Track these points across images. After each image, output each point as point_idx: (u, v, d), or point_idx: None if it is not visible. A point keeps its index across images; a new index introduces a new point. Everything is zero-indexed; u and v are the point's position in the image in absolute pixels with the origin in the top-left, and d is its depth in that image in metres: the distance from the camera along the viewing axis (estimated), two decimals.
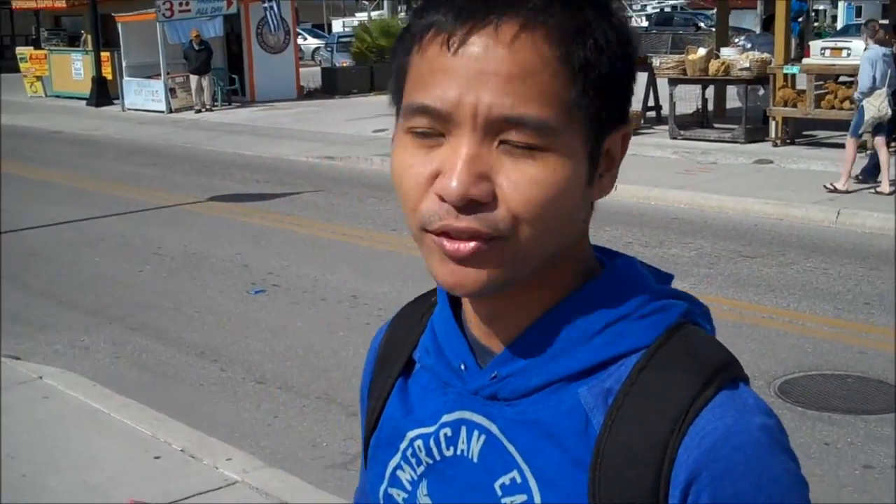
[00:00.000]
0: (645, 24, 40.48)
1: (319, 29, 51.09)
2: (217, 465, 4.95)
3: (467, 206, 0.94)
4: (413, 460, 1.12)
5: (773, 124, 15.44)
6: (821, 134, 15.99)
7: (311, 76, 28.51)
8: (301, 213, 12.04)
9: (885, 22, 19.67)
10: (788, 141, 15.41)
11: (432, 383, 1.13)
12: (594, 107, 0.97)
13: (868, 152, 12.54)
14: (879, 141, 11.86)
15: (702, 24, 39.21)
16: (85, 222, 11.84)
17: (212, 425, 5.81)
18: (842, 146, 14.53)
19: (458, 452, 1.07)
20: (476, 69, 0.93)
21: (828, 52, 24.61)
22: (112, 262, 9.99)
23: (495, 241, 0.96)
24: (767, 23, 18.06)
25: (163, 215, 12.23)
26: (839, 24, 38.26)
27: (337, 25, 62.37)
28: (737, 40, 20.04)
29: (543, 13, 0.95)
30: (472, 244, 0.95)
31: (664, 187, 12.73)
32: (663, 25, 37.97)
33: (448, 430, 1.08)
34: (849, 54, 24.57)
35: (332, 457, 5.46)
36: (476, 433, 1.06)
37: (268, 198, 13.12)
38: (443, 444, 1.09)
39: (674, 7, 62.51)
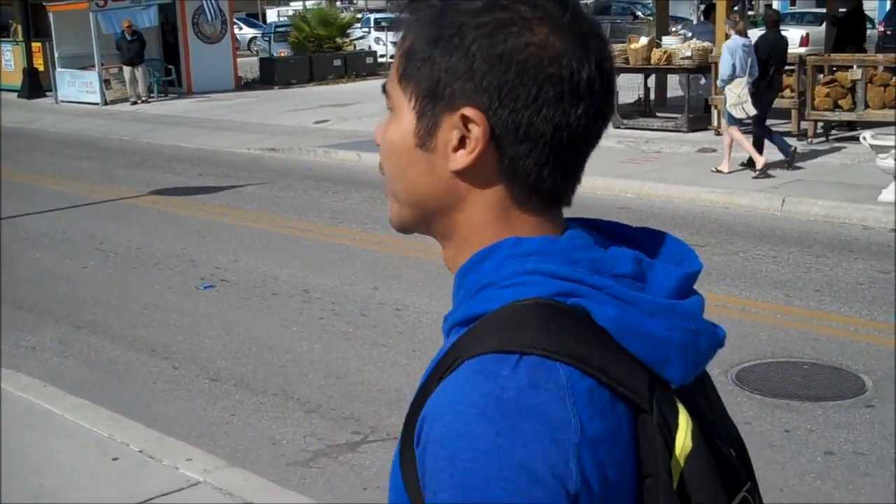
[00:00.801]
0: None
1: (254, 18, 50.56)
2: (177, 466, 4.83)
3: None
4: None
5: (714, 113, 15.55)
6: None
7: (249, 66, 28.20)
8: (246, 206, 11.88)
9: (816, 11, 19.88)
10: None
11: None
12: (415, 73, 1.14)
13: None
14: (732, 128, 12.59)
15: (639, 13, 39.45)
16: (23, 218, 11.57)
17: (168, 424, 5.69)
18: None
19: None
20: None
21: None
22: (54, 258, 9.76)
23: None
24: (707, 11, 18.17)
25: (104, 210, 12.00)
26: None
27: (272, 14, 61.71)
28: (677, 29, 20.19)
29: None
30: None
31: (610, 176, 12.74)
32: (601, 14, 38.09)
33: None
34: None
35: (292, 454, 5.37)
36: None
37: (211, 191, 12.93)
38: None
39: None
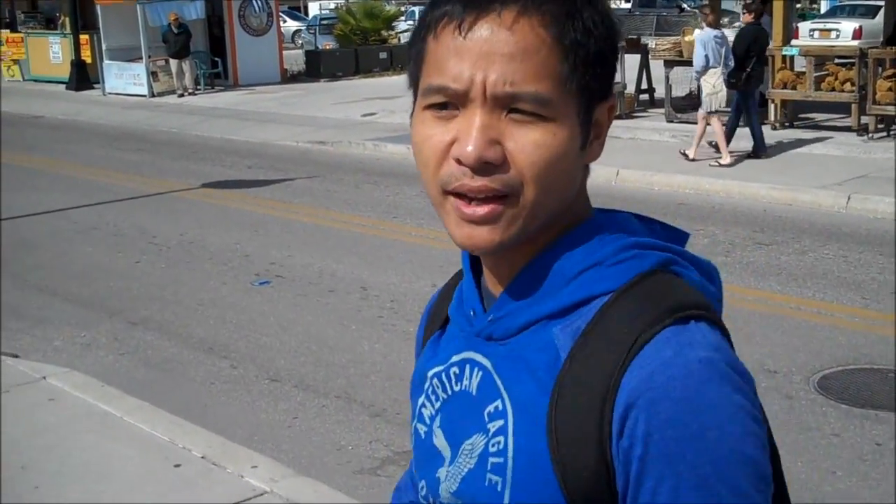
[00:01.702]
0: (628, 5, 40.14)
1: (297, 11, 50.58)
2: (242, 474, 4.65)
3: (482, 167, 1.08)
4: (433, 397, 1.26)
5: (771, 107, 15.19)
6: (818, 116, 15.78)
7: (294, 59, 28.10)
8: (298, 200, 11.71)
9: (869, 3, 19.41)
10: (787, 124, 15.18)
11: (454, 330, 1.27)
12: (584, 81, 1.11)
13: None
14: (700, 114, 13.01)
15: (685, 6, 38.91)
16: (75, 210, 11.48)
17: (229, 427, 5.51)
18: (843, 129, 14.40)
19: (463, 388, 1.21)
20: (484, 50, 1.08)
21: (816, 34, 24.44)
22: (106, 252, 9.64)
23: (508, 199, 1.10)
24: (763, 4, 17.76)
25: (155, 203, 11.87)
26: (822, 6, 38.05)
27: (314, 8, 61.81)
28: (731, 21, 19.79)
29: (538, 0, 1.10)
30: (487, 207, 1.10)
31: (667, 172, 12.48)
32: (647, 7, 37.60)
33: (456, 369, 1.23)
34: (838, 36, 24.43)
35: (358, 461, 5.17)
36: (476, 370, 1.20)
37: (262, 184, 12.78)
38: (453, 381, 1.23)
39: None
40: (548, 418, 1.08)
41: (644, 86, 18.42)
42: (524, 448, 1.10)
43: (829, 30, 24.82)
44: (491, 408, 1.16)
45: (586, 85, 1.12)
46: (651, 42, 17.51)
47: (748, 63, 12.99)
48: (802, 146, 13.86)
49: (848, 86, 14.29)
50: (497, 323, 1.18)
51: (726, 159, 12.70)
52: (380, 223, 10.41)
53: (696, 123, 15.82)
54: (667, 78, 16.27)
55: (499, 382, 1.16)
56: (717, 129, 12.88)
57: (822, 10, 35.87)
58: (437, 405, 1.25)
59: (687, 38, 16.08)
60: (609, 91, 1.17)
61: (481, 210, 1.10)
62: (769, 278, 8.06)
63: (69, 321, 7.58)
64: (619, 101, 17.05)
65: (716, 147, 13.08)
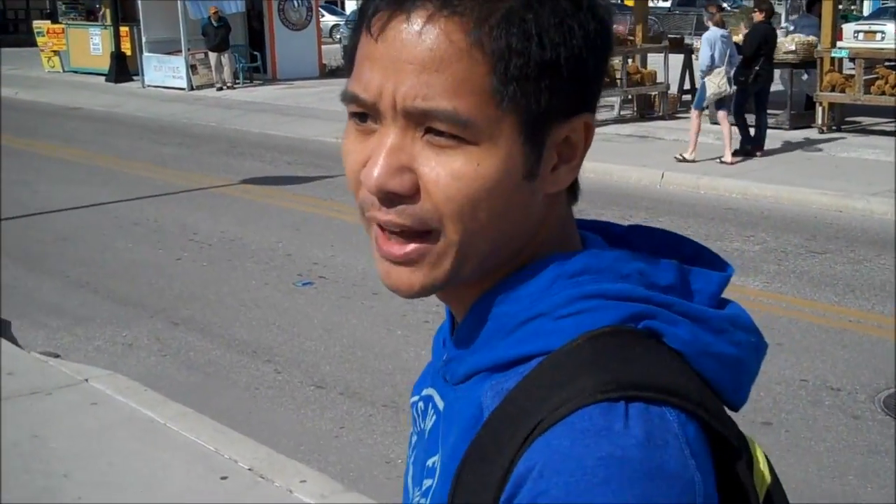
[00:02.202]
0: (667, 4, 39.77)
1: (333, 5, 50.49)
2: (291, 489, 4.50)
3: (387, 198, 0.92)
4: (414, 426, 1.14)
5: (819, 110, 14.91)
6: (866, 120, 15.49)
7: (332, 54, 27.99)
8: (340, 199, 11.56)
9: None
10: (835, 127, 14.91)
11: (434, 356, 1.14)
12: (524, 97, 0.91)
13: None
14: (722, 115, 12.79)
15: (725, 5, 38.48)
16: (114, 205, 11.39)
17: (274, 436, 5.37)
18: (892, 133, 14.11)
19: (425, 427, 1.08)
20: (393, 56, 0.91)
21: (861, 36, 24.10)
22: (147, 248, 9.54)
23: (429, 237, 0.93)
24: (810, 5, 17.49)
25: (195, 198, 11.77)
26: (864, 8, 37.53)
27: (351, 3, 61.74)
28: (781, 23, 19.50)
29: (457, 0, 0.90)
30: (405, 247, 0.94)
31: (713, 175, 12.24)
32: (687, 6, 37.24)
33: (422, 404, 1.10)
34: (883, 38, 24.07)
35: None
36: (432, 412, 1.06)
37: (302, 181, 12.65)
38: (420, 417, 1.10)
39: None
40: (451, 485, 0.93)
41: (687, 86, 18.20)
42: None
43: (875, 31, 24.47)
44: (430, 461, 1.03)
45: (529, 101, 0.91)
46: (695, 41, 17.20)
47: (757, 62, 13.06)
48: (852, 150, 13.59)
49: (888, 89, 14.00)
50: (448, 365, 1.03)
51: (728, 157, 12.75)
52: None
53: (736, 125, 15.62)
54: None
55: (441, 433, 1.02)
56: (724, 127, 12.78)
57: (865, 12, 35.39)
58: (415, 439, 1.13)
59: (734, 39, 15.80)
60: (580, 106, 0.96)
61: (399, 250, 0.94)
62: (825, 289, 7.84)
63: (110, 320, 7.47)
64: (662, 102, 16.86)
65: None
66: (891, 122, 15.01)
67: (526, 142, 0.92)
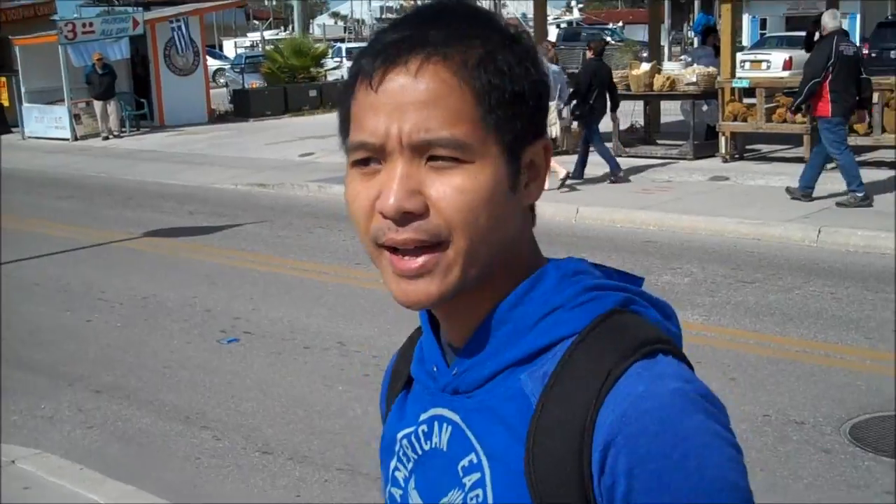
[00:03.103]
0: (552, 38, 40.22)
1: (212, 48, 49.77)
2: None
3: (403, 218, 1.08)
4: (404, 459, 1.25)
5: (722, 140, 15.07)
6: (765, 148, 15.73)
7: (220, 98, 27.48)
8: (250, 248, 11.15)
9: (795, 34, 19.44)
10: (737, 156, 15.08)
11: (418, 389, 1.27)
12: (503, 121, 1.11)
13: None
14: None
15: (609, 39, 39.14)
16: (11, 265, 10.76)
17: None
18: (793, 160, 14.33)
19: (434, 446, 1.20)
20: (395, 102, 1.08)
21: (748, 66, 24.60)
22: (53, 310, 8.98)
23: (439, 248, 1.09)
24: (705, 35, 17.75)
25: (97, 254, 11.21)
26: (744, 38, 38.57)
27: (228, 46, 61.01)
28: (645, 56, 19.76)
29: (442, 47, 1.09)
30: (419, 260, 1.09)
31: (628, 208, 12.21)
32: (572, 41, 37.73)
33: (425, 427, 1.21)
34: (769, 66, 24.67)
35: None
36: (445, 426, 1.18)
37: (208, 231, 12.18)
38: (422, 440, 1.22)
39: (569, 23, 62.72)
40: (525, 466, 1.08)
41: None
42: (504, 498, 1.10)
43: (760, 61, 25.05)
44: (465, 461, 1.15)
45: (507, 125, 1.11)
46: None
47: (590, 96, 13.62)
48: (758, 178, 13.73)
49: (799, 117, 14.21)
50: (462, 376, 1.17)
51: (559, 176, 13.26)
52: (343, 270, 9.91)
53: (644, 157, 15.70)
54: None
55: (470, 435, 1.15)
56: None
57: (745, 42, 36.34)
58: (410, 466, 1.24)
59: (634, 72, 15.93)
60: (540, 131, 1.16)
61: (414, 263, 1.09)
62: (764, 319, 7.76)
63: (25, 390, 6.94)
64: (566, 136, 16.85)
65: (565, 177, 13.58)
66: (788, 147, 15.26)
67: (508, 159, 1.11)
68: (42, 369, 7.38)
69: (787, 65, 25.50)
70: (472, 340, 1.17)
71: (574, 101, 13.84)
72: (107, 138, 22.33)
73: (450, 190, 1.08)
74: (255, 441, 5.91)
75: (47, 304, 9.21)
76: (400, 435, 1.26)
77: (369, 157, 1.10)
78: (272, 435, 5.98)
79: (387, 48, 1.10)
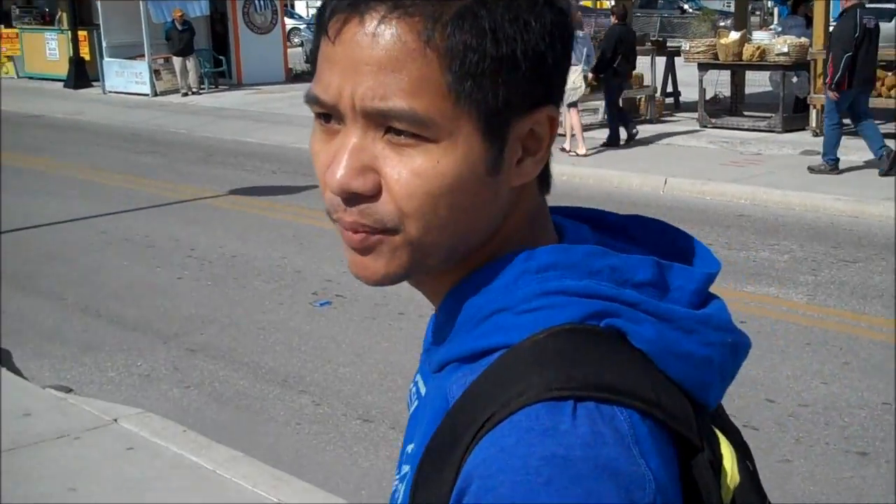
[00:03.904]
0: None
1: (288, 8, 49.82)
2: None
3: (350, 198, 0.94)
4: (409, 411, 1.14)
5: (813, 113, 14.66)
6: None
7: (296, 57, 27.42)
8: None
9: (885, 6, 18.97)
10: None
11: None
12: (481, 91, 0.91)
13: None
14: (573, 112, 13.56)
15: (687, 7, 38.46)
16: (98, 219, 10.79)
17: (331, 480, 4.89)
18: (889, 136, 13.88)
19: (411, 413, 1.09)
20: (350, 58, 0.91)
21: None
22: (143, 266, 8.97)
23: (386, 234, 0.94)
24: (796, 5, 17.27)
25: (185, 211, 11.20)
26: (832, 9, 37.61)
27: (300, 6, 61.06)
28: (726, 25, 19.32)
29: (409, 0, 0.90)
30: (358, 235, 0.95)
31: (718, 181, 11.92)
32: (648, 8, 37.10)
33: (413, 389, 1.10)
34: None
35: None
36: (415, 397, 1.07)
37: (292, 191, 12.10)
38: (410, 402, 1.10)
39: None
40: (413, 478, 0.93)
41: (670, 89, 17.94)
42: None
43: None
44: (409, 447, 1.03)
45: (486, 96, 0.92)
46: (685, 44, 16.91)
47: (615, 61, 13.90)
48: (852, 154, 13.31)
49: (895, 92, 13.79)
50: (427, 354, 1.07)
51: (581, 150, 13.47)
52: None
53: (730, 129, 15.36)
54: (700, 81, 15.72)
55: (419, 420, 1.02)
56: (575, 121, 13.57)
57: (833, 14, 35.39)
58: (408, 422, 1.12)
59: (723, 41, 15.55)
60: (543, 99, 0.96)
61: (355, 237, 0.96)
62: (873, 301, 7.49)
63: (120, 347, 6.93)
64: (649, 105, 16.54)
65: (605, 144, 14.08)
66: (881, 123, 14.80)
67: (486, 137, 0.93)
68: (136, 326, 7.37)
69: None
70: (435, 321, 1.05)
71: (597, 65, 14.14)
72: (186, 95, 22.38)
73: (406, 172, 0.91)
74: (356, 408, 5.82)
75: (138, 258, 9.20)
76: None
77: (329, 114, 0.94)
78: (372, 402, 5.89)
79: None
